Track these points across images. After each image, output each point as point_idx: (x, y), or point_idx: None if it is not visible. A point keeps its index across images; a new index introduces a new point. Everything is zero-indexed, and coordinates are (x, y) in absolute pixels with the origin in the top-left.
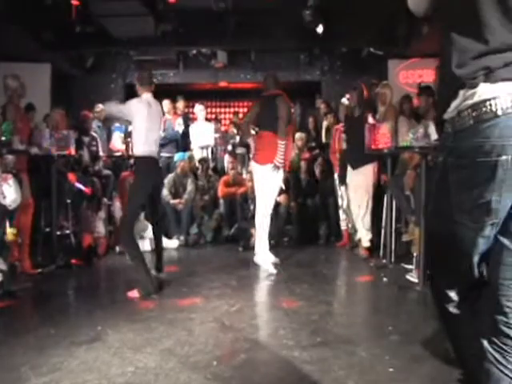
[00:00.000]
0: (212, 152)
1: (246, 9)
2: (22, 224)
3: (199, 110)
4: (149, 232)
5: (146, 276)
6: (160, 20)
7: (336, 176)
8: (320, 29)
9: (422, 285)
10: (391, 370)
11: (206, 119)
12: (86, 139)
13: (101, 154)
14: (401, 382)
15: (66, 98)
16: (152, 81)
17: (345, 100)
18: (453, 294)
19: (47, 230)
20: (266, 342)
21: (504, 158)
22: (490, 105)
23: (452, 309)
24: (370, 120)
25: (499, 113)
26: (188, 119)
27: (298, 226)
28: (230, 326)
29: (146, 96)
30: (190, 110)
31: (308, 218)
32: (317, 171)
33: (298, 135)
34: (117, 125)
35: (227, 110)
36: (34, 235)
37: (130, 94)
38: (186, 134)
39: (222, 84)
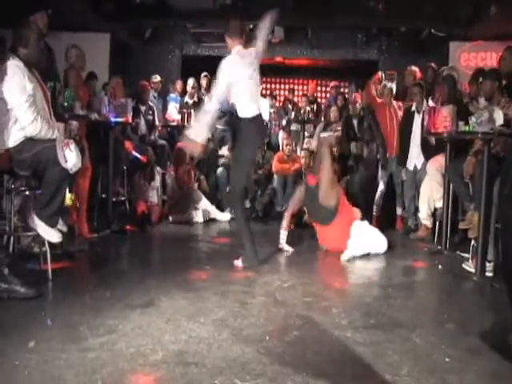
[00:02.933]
0: (267, 127)
1: None
2: (81, 189)
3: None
4: (202, 203)
5: (251, 248)
6: None
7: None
8: (380, 7)
9: (479, 275)
10: (447, 359)
11: (262, 94)
12: (143, 108)
13: (157, 123)
14: (458, 374)
15: (124, 67)
16: (244, 30)
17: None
18: None
19: (103, 195)
20: (319, 320)
21: None
22: None
23: None
24: (430, 103)
25: None
26: None
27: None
28: (283, 301)
29: (238, 49)
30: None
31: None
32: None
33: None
34: (172, 95)
35: (282, 86)
36: (90, 200)
37: (187, 65)
38: None
39: (278, 59)
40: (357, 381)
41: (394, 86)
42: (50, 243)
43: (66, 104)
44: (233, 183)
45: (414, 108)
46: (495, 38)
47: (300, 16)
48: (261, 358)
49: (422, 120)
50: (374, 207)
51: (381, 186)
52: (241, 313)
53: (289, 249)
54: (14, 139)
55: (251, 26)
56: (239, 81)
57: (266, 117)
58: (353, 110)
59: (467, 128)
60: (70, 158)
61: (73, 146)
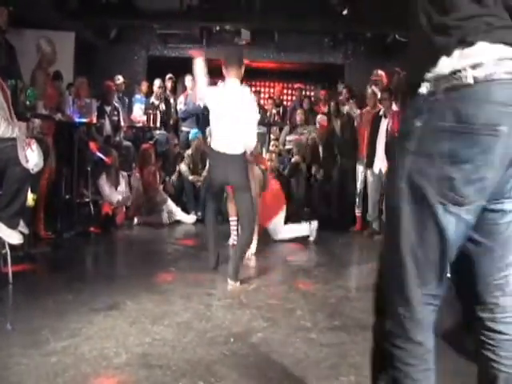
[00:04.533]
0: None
1: None
2: (40, 188)
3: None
4: (168, 205)
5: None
6: None
7: (360, 160)
8: (345, 11)
9: None
10: None
11: None
12: (108, 109)
13: (122, 124)
14: None
15: (89, 67)
16: (242, 62)
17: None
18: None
19: (67, 196)
20: (283, 321)
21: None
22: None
23: None
24: (395, 107)
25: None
26: None
27: (315, 207)
28: (247, 303)
29: (230, 82)
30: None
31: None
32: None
33: (319, 117)
34: (137, 96)
35: (249, 88)
36: (54, 201)
37: (152, 66)
38: (207, 110)
39: (245, 61)
40: (321, 382)
41: (377, 90)
42: (10, 245)
43: (27, 102)
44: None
45: (381, 113)
46: None
47: (267, 19)
48: (225, 360)
49: (387, 125)
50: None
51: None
52: (206, 315)
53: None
54: None
55: (217, 28)
56: (213, 111)
57: None
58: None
59: None
60: (32, 157)
61: (34, 145)
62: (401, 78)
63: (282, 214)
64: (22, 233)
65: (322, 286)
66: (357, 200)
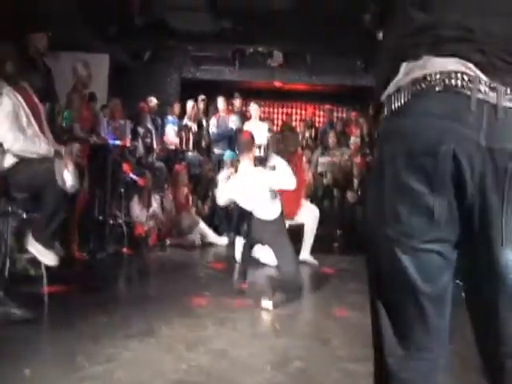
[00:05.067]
0: (264, 151)
1: (306, 10)
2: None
3: (254, 108)
4: (200, 227)
5: None
6: (220, 16)
7: None
8: (380, 35)
9: None
10: None
11: (260, 118)
12: (141, 130)
13: (155, 146)
14: None
15: (123, 89)
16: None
17: None
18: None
19: (100, 218)
20: (319, 351)
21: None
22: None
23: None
24: None
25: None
26: (243, 117)
27: (348, 231)
28: (282, 331)
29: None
30: (244, 108)
31: (357, 224)
32: None
33: (352, 139)
34: (170, 118)
35: (280, 110)
36: (87, 222)
37: (185, 87)
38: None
39: (277, 84)
40: None
41: None
42: (46, 266)
43: (64, 125)
44: None
45: None
46: None
47: (299, 41)
48: None
49: None
50: None
51: None
52: (240, 342)
53: None
54: (7, 161)
55: (250, 50)
56: None
57: (263, 140)
58: None
59: None
60: (68, 179)
61: (71, 167)
62: None
63: None
64: (57, 254)
65: (358, 313)
66: None
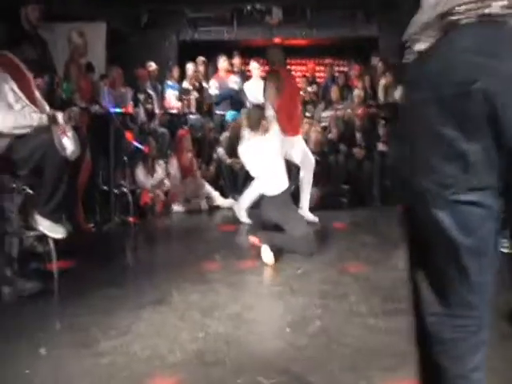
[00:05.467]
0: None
1: None
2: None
3: (255, 67)
4: (206, 190)
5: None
6: None
7: None
8: None
9: None
10: None
11: (261, 77)
12: (142, 96)
13: (156, 111)
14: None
15: (121, 56)
16: None
17: None
18: None
19: (105, 187)
20: (338, 308)
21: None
22: None
23: None
24: None
25: None
26: (244, 76)
27: (355, 186)
28: (298, 290)
29: None
30: (244, 67)
31: (363, 177)
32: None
33: (355, 92)
34: (169, 82)
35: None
36: (91, 193)
37: (183, 51)
38: (241, 92)
39: (277, 40)
40: (388, 372)
41: None
42: (53, 240)
43: (64, 97)
44: None
45: None
46: None
47: None
48: (283, 353)
49: None
50: None
51: None
52: (256, 305)
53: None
54: (3, 141)
55: (249, 8)
56: None
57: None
58: None
59: None
60: (68, 145)
61: (70, 132)
62: None
63: None
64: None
65: (372, 267)
66: None
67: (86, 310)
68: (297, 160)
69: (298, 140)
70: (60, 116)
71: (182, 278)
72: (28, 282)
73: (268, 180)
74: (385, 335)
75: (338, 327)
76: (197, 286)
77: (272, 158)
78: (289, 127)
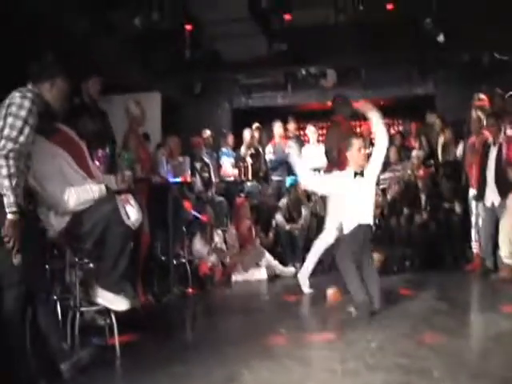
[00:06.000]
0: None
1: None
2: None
3: (311, 131)
4: (266, 259)
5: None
6: (273, 39)
7: (471, 192)
8: (441, 37)
9: None
10: None
11: (317, 140)
12: (198, 165)
13: (213, 179)
14: None
15: (176, 125)
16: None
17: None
18: None
19: (163, 258)
20: None
21: None
22: None
23: None
24: (509, 132)
25: None
26: (300, 141)
27: (419, 248)
28: (376, 365)
29: None
30: (300, 132)
31: (430, 239)
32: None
33: (414, 153)
34: (224, 150)
35: None
36: (149, 264)
37: (237, 118)
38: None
39: (330, 104)
40: None
41: (482, 115)
42: (115, 313)
43: (125, 167)
44: None
45: (490, 140)
46: None
47: (354, 57)
48: None
49: (498, 153)
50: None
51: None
52: (333, 382)
53: None
54: (65, 218)
55: (303, 73)
56: None
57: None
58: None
59: None
60: (132, 213)
61: (132, 200)
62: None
63: None
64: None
65: (450, 338)
66: (473, 234)
67: None
68: None
69: None
70: (113, 179)
71: (250, 354)
72: (84, 351)
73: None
74: None
75: None
76: (265, 362)
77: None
78: None
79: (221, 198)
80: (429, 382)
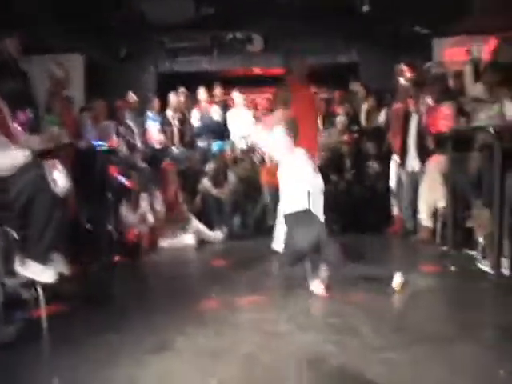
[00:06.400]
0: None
1: None
2: None
3: (237, 96)
4: (193, 224)
5: None
6: (200, 2)
7: (393, 157)
8: (365, 8)
9: (496, 273)
10: (502, 371)
11: (243, 106)
12: (122, 130)
13: (138, 145)
14: None
15: (100, 88)
16: None
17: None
18: None
19: (88, 226)
20: (352, 343)
21: None
22: None
23: None
24: (429, 101)
25: None
26: (225, 106)
27: (345, 212)
28: (307, 325)
29: None
30: (225, 97)
31: (355, 203)
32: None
33: (338, 118)
34: (149, 114)
35: (262, 95)
36: (76, 232)
37: (162, 83)
38: (223, 122)
39: (257, 70)
40: None
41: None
42: (42, 284)
43: None
44: None
45: (412, 108)
46: (479, 32)
47: (280, 24)
48: None
49: (419, 121)
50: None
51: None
52: (266, 345)
53: None
54: None
55: (230, 37)
56: None
57: (249, 128)
58: None
59: (477, 123)
60: (59, 180)
61: (60, 166)
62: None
63: None
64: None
65: (374, 296)
66: (392, 200)
67: (84, 361)
68: None
69: None
70: (38, 139)
71: (182, 320)
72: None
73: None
74: (405, 369)
75: (357, 365)
76: (200, 328)
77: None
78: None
79: (143, 165)
80: (357, 339)
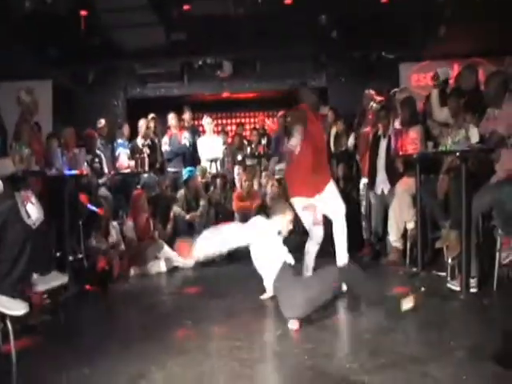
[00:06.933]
0: (222, 165)
1: (259, 15)
2: None
3: (207, 122)
4: (164, 251)
5: None
6: (171, 29)
7: (363, 180)
8: (334, 34)
9: (465, 292)
10: None
11: (214, 131)
12: (89, 157)
13: (106, 171)
14: None
15: (69, 115)
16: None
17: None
18: None
19: (58, 254)
20: (329, 367)
21: None
22: None
23: None
24: (397, 125)
25: None
26: (195, 132)
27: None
28: (283, 352)
29: None
30: (196, 122)
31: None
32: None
33: None
34: (120, 141)
35: (232, 121)
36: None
37: (131, 109)
38: (193, 148)
39: (225, 94)
40: None
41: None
42: (11, 318)
43: None
44: None
45: (380, 132)
46: (443, 58)
47: (250, 49)
48: None
49: (388, 144)
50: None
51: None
52: (243, 373)
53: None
54: None
55: (200, 62)
56: None
57: (219, 154)
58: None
59: (444, 147)
60: (32, 211)
61: (33, 198)
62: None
63: None
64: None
65: (350, 319)
66: (363, 223)
67: None
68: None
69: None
70: (8, 162)
71: (157, 350)
72: None
73: None
74: None
75: None
76: (174, 358)
77: None
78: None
79: (107, 193)
80: (335, 362)
